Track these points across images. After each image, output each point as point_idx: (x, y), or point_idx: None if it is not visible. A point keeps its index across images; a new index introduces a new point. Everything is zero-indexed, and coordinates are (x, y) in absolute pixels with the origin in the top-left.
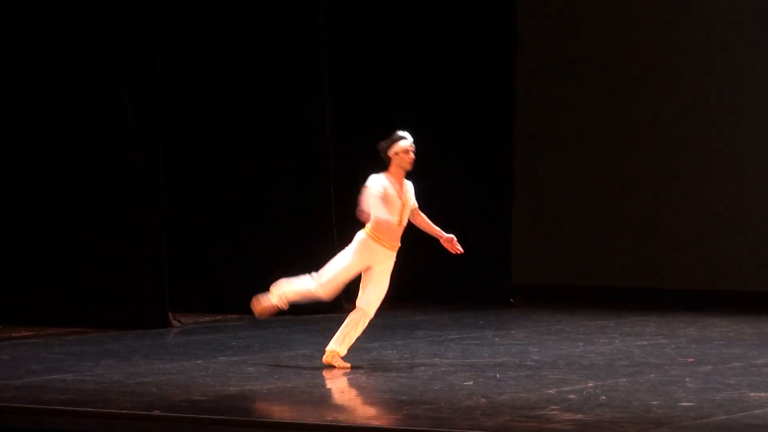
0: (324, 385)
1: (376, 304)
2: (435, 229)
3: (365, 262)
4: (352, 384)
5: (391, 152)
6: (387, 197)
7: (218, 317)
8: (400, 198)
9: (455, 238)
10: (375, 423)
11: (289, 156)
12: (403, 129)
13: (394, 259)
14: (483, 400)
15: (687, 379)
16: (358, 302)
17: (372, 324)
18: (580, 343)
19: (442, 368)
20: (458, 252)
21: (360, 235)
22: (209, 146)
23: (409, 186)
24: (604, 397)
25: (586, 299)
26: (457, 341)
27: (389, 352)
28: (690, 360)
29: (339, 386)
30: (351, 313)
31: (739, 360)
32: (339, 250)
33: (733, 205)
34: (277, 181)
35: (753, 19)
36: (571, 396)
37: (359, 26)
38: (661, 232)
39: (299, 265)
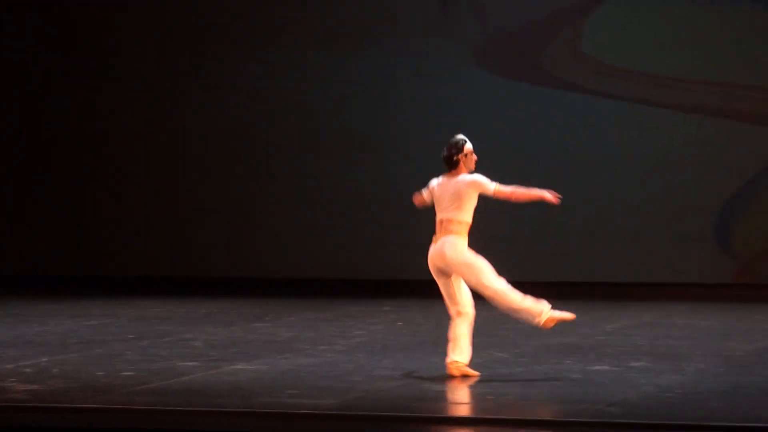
0: None
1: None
2: (532, 194)
3: (435, 268)
4: None
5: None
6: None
7: None
8: (431, 192)
9: (550, 193)
10: None
11: None
12: None
13: (446, 249)
14: None
15: (128, 353)
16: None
17: None
18: (35, 324)
19: None
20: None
21: None
22: None
23: (458, 179)
24: (56, 370)
25: (40, 287)
26: None
27: None
28: (131, 336)
29: None
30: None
31: (170, 336)
32: None
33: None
34: None
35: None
36: (28, 370)
37: None
38: (104, 221)
39: None
